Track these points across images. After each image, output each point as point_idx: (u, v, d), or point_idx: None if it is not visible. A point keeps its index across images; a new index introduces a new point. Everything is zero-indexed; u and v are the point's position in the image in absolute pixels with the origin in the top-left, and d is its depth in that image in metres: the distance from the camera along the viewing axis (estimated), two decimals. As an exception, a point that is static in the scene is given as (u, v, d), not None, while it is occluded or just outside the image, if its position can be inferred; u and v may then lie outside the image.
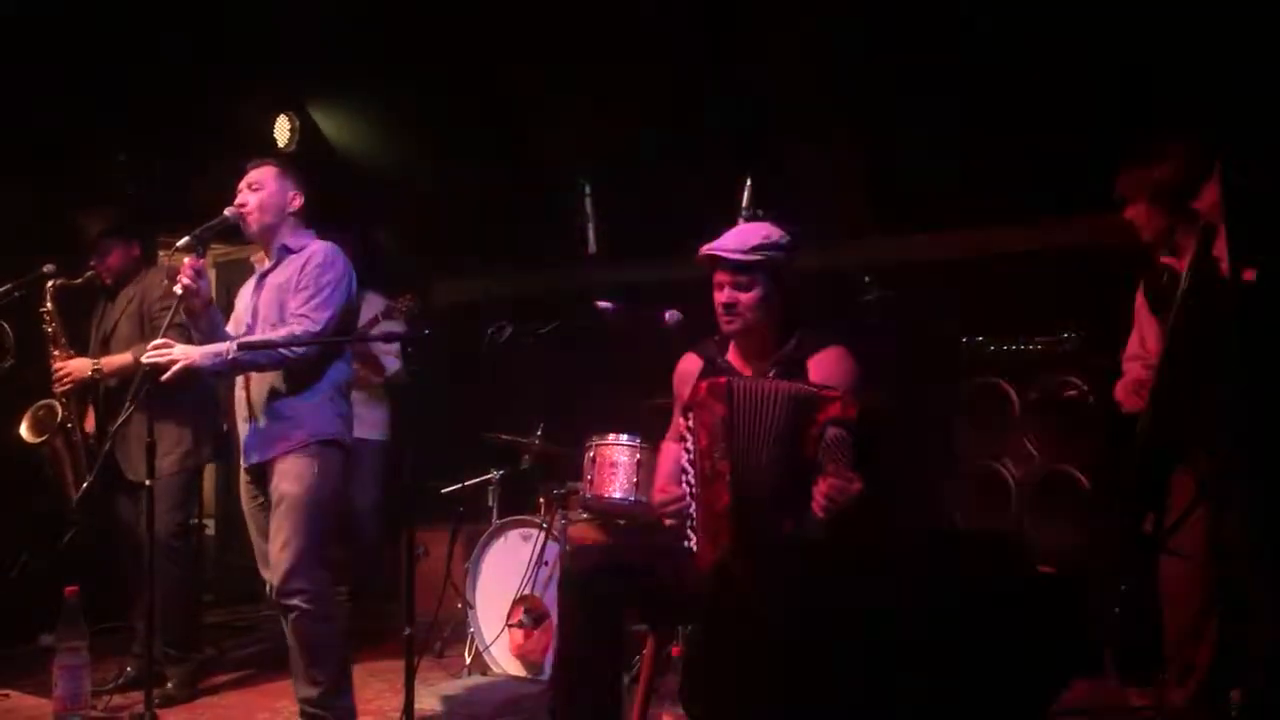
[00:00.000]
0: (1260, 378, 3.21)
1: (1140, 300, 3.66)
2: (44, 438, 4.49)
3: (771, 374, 3.16)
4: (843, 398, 2.96)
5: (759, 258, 3.14)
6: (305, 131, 6.48)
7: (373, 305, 5.16)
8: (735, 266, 3.14)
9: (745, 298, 3.14)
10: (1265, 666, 3.31)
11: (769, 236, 3.20)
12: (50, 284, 4.50)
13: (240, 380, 3.77)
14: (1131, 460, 3.37)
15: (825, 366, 3.14)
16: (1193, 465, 3.42)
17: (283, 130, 6.42)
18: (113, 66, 5.45)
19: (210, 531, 6.76)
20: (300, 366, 3.65)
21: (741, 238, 3.21)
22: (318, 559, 3.63)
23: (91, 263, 4.60)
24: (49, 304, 4.48)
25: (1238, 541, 3.33)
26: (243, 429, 3.79)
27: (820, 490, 2.88)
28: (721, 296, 3.17)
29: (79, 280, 4.57)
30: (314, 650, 3.63)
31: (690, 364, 3.32)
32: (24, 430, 4.53)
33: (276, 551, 3.59)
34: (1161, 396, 3.29)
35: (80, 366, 4.46)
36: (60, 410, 4.47)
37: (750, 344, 3.25)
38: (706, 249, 3.20)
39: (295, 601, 3.58)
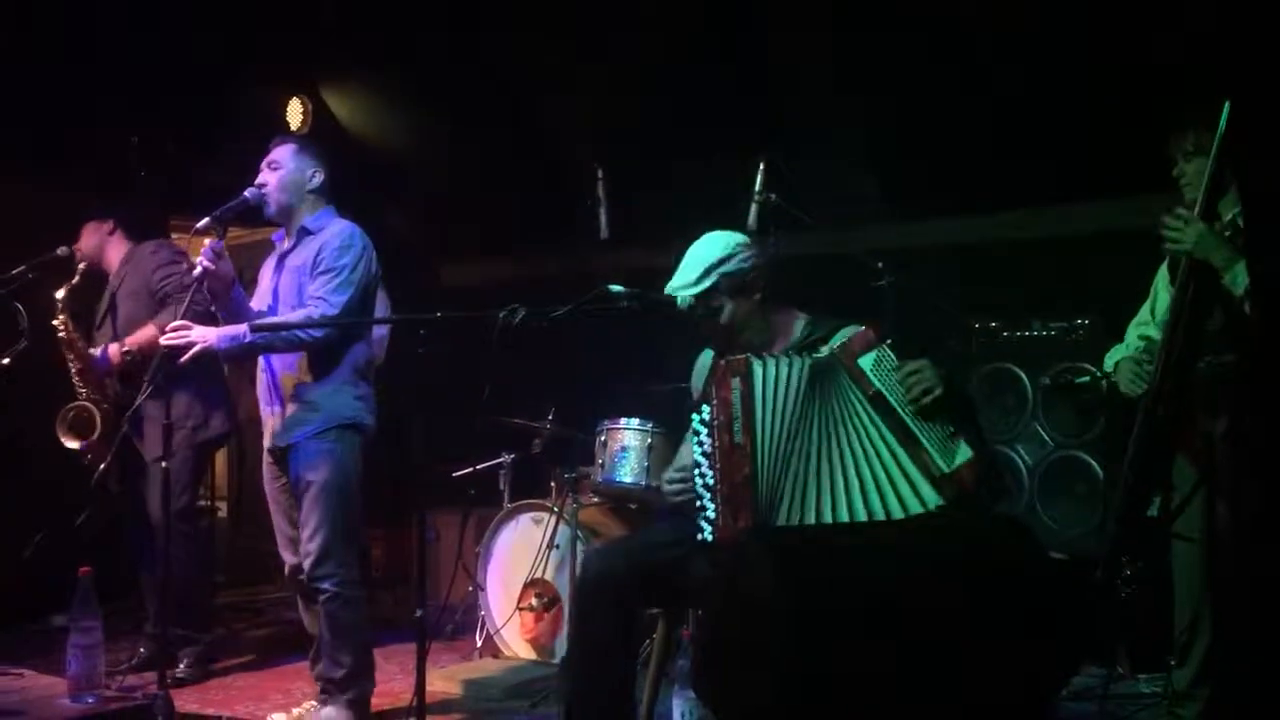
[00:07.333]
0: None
1: (1163, 270, 3.58)
2: (86, 442, 4.45)
3: None
4: (862, 333, 2.89)
5: (710, 283, 3.04)
6: (318, 114, 6.47)
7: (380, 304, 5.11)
8: (693, 298, 3.05)
9: (718, 324, 3.08)
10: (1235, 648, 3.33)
11: (716, 254, 3.07)
12: (58, 296, 4.49)
13: (261, 363, 3.78)
14: (1136, 442, 3.36)
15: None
16: (1189, 449, 3.40)
17: (295, 113, 6.42)
18: (124, 50, 5.44)
19: (222, 514, 6.79)
20: (319, 349, 3.66)
21: (688, 268, 3.08)
22: (346, 543, 3.68)
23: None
24: (61, 315, 4.47)
25: (1225, 528, 3.34)
26: (264, 411, 3.81)
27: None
28: (701, 329, 3.12)
29: (75, 279, 4.57)
30: (342, 632, 3.67)
31: (708, 359, 3.30)
32: (63, 437, 4.49)
33: (306, 539, 3.64)
34: (1166, 374, 3.27)
35: (112, 354, 4.44)
36: (98, 414, 4.44)
37: (756, 345, 3.17)
38: (666, 290, 3.10)
39: (325, 585, 3.64)
